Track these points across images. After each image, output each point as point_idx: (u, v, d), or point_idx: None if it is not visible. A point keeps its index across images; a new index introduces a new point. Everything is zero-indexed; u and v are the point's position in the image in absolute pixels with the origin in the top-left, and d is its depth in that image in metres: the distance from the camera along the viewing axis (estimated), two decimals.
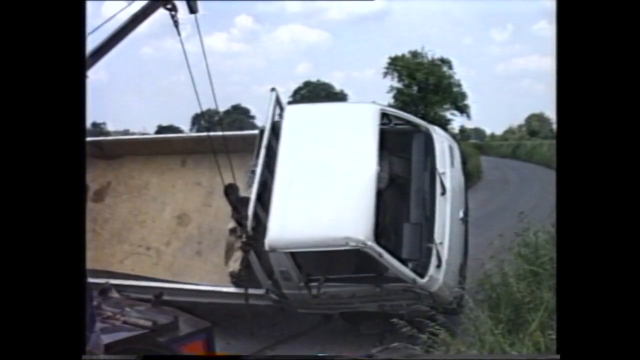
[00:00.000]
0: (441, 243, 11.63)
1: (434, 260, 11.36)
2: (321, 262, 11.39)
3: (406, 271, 11.05)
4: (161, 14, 10.99)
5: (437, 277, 11.27)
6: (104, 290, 10.23)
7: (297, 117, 12.74)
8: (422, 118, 15.54)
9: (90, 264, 12.73)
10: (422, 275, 11.11)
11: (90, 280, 9.82)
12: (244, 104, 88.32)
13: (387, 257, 10.89)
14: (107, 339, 7.93)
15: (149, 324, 8.05)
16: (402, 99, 55.31)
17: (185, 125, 77.23)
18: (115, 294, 10.46)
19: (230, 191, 11.46)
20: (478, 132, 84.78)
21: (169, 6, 10.75)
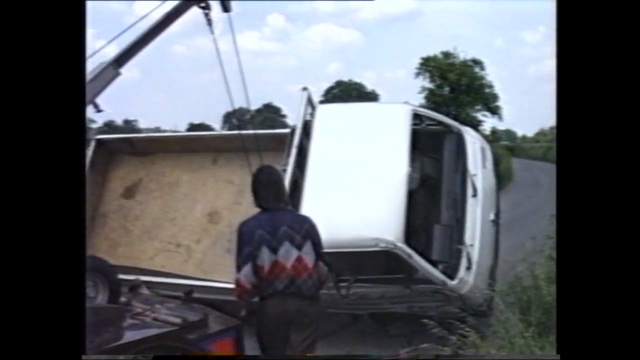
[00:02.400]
0: (472, 245, 11.60)
1: (464, 262, 11.33)
2: (351, 263, 11.37)
3: (436, 273, 11.03)
4: (193, 12, 11.05)
5: (467, 279, 11.24)
6: (134, 286, 10.27)
7: (328, 116, 12.73)
8: (454, 119, 15.47)
9: (120, 261, 12.95)
10: (452, 277, 11.08)
11: (121, 276, 9.95)
12: (276, 103, 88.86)
13: (417, 259, 10.87)
14: (136, 335, 7.97)
15: (178, 321, 8.05)
16: (433, 100, 55.39)
17: (216, 123, 77.70)
18: (145, 291, 10.49)
19: None
20: (509, 134, 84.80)
21: (202, 4, 10.80)
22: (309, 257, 7.57)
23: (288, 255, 7.51)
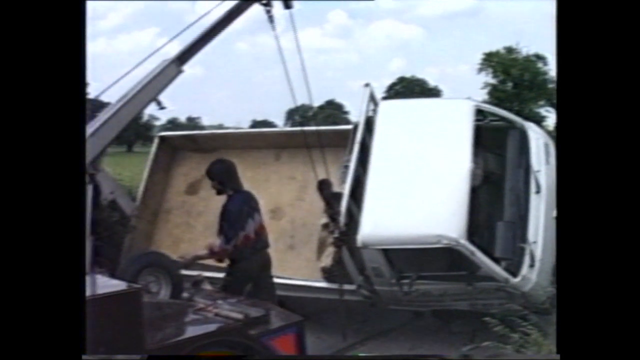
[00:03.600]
0: (535, 242, 11.47)
1: (527, 260, 11.21)
2: (413, 259, 11.34)
3: (499, 270, 10.94)
4: (255, 9, 11.10)
5: (530, 276, 11.13)
6: (197, 282, 10.34)
7: (391, 112, 12.69)
8: (517, 114, 15.31)
9: None
10: (514, 275, 10.98)
11: (184, 272, 10.02)
12: (338, 100, 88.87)
13: (480, 256, 10.80)
14: (198, 330, 8.03)
15: (240, 316, 8.10)
16: (496, 95, 55.09)
17: (279, 119, 78.06)
18: (207, 286, 10.57)
19: (323, 186, 11.46)
20: None
21: (264, 2, 10.86)
22: (263, 221, 10.73)
23: (258, 222, 10.49)
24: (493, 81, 57.08)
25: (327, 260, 11.80)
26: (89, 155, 10.87)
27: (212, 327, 8.01)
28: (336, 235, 11.30)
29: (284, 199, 13.79)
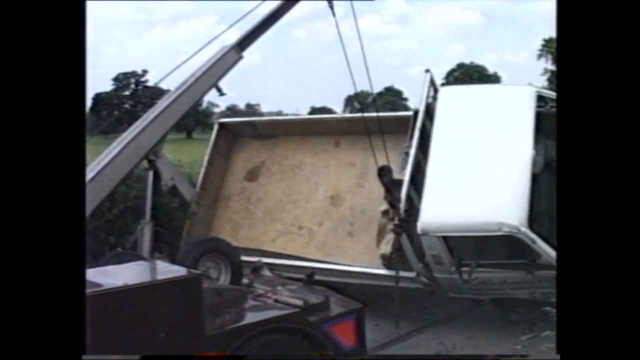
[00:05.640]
0: None
1: None
2: (473, 247, 11.24)
3: None
4: None
5: None
6: (256, 268, 10.40)
7: (451, 98, 12.58)
8: None
9: (243, 243, 13.15)
10: None
11: (244, 258, 10.04)
12: (397, 86, 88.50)
13: (541, 244, 10.65)
14: (258, 316, 8.06)
15: (300, 303, 8.12)
16: (556, 82, 54.30)
17: (337, 106, 78.00)
18: (267, 273, 10.62)
19: (383, 173, 11.41)
20: None
21: None
22: None
23: None
24: (552, 67, 56.42)
25: (386, 247, 11.76)
26: (150, 142, 10.98)
27: (271, 314, 8.03)
28: (396, 222, 11.27)
29: (344, 185, 13.78)
